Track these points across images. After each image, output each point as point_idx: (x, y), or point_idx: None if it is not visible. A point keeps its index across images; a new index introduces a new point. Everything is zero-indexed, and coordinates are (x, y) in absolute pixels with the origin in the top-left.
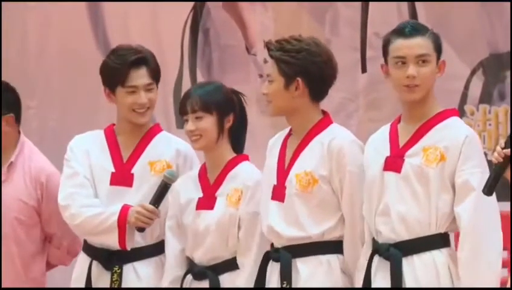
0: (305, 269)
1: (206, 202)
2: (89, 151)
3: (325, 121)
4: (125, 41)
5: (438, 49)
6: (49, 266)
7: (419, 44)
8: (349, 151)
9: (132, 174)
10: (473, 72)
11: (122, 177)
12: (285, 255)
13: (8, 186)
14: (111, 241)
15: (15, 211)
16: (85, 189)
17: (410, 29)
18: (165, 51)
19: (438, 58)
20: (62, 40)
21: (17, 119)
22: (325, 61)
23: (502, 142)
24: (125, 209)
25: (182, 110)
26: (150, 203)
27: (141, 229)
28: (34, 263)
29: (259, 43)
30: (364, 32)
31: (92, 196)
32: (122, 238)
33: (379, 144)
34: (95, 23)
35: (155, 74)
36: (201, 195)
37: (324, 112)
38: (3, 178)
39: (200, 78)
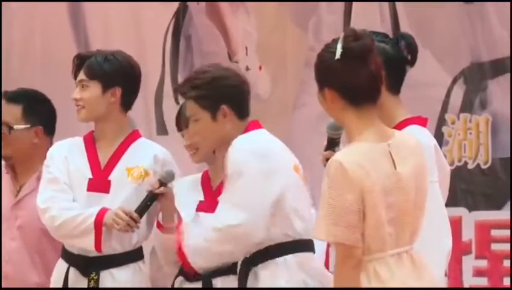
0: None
1: (207, 205)
2: (68, 157)
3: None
4: (106, 47)
5: None
6: None
7: None
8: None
9: (109, 181)
10: (454, 81)
11: (99, 183)
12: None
13: (34, 196)
14: (87, 244)
15: (40, 222)
16: (65, 194)
17: None
18: (147, 56)
19: None
20: (44, 43)
21: (48, 132)
22: (240, 81)
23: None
24: (102, 212)
25: (177, 126)
26: (135, 211)
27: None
28: None
29: (242, 50)
30: None
31: (72, 201)
32: (98, 241)
33: None
34: (76, 28)
35: (95, 74)
36: (202, 199)
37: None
38: (31, 188)
39: None
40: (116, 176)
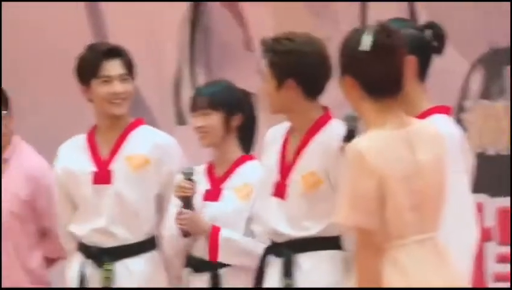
0: (307, 264)
1: (213, 193)
2: (71, 157)
3: (324, 118)
4: (123, 39)
5: None
6: (50, 261)
7: None
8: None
9: (111, 171)
10: (473, 67)
11: (102, 175)
12: (287, 251)
13: (2, 181)
14: None
15: (8, 205)
16: None
17: None
18: (164, 48)
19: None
20: (57, 38)
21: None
22: (318, 62)
23: None
24: None
25: (192, 107)
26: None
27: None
28: (31, 255)
29: (258, 39)
30: None
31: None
32: None
33: None
34: (93, 21)
35: (129, 66)
36: (208, 187)
37: (324, 108)
38: None
39: (199, 75)
40: (116, 166)
